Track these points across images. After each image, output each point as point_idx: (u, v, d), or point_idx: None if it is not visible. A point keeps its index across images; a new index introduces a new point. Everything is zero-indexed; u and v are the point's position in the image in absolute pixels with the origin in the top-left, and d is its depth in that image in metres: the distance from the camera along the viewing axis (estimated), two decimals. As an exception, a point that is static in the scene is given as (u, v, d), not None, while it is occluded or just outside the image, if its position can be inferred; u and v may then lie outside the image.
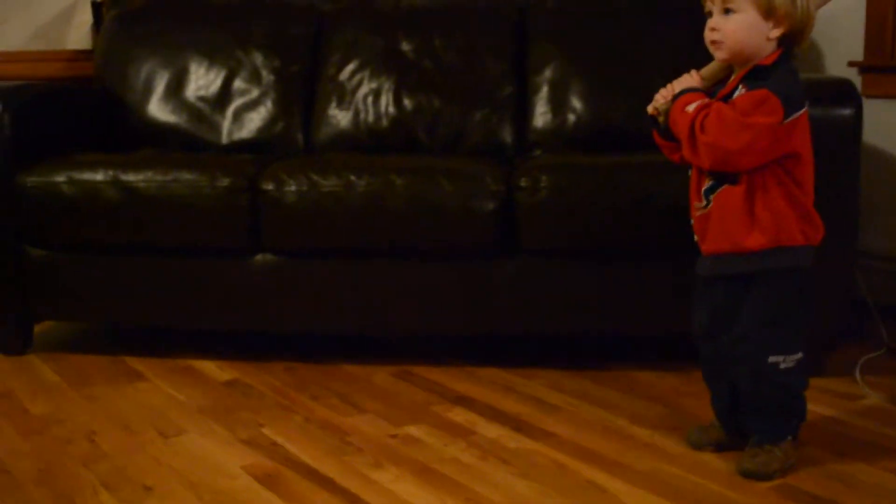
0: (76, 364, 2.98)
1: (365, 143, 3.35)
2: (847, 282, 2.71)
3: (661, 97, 2.16)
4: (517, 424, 2.45)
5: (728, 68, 2.13)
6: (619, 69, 3.28)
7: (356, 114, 3.40)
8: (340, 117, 3.41)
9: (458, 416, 2.53)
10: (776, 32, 2.02)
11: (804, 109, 2.02)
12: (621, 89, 3.21)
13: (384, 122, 3.37)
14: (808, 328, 2.14)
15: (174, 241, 2.88)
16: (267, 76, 3.48)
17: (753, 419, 2.16)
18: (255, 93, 3.47)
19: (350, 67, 3.45)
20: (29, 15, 3.79)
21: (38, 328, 3.18)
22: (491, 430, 2.42)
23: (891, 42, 3.29)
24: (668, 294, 2.66)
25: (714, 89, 2.14)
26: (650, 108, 2.19)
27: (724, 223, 2.07)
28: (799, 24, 2.02)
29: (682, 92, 2.10)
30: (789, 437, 2.14)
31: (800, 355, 2.11)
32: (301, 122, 3.46)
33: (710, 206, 2.10)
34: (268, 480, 2.16)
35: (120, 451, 2.34)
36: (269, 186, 2.81)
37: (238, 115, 3.45)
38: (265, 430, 2.45)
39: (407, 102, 3.37)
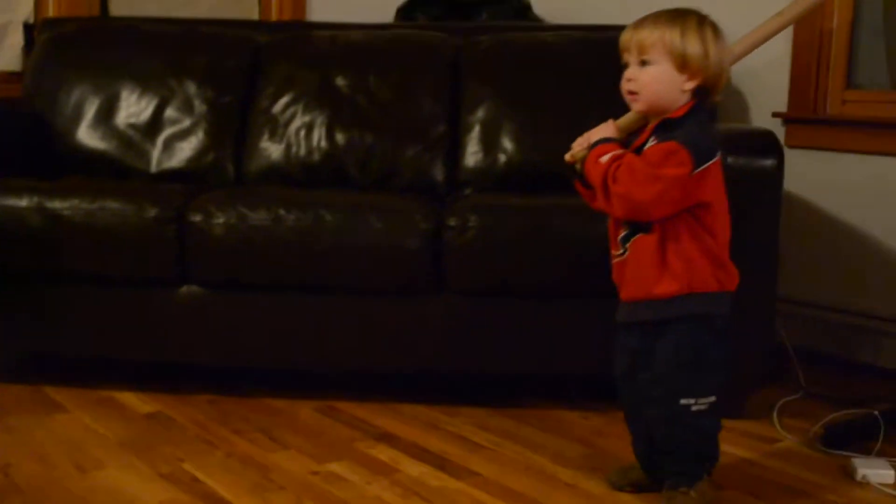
0: (-6, 393, 2.91)
1: (296, 176, 3.32)
2: (767, 326, 2.73)
3: (578, 145, 2.17)
4: (441, 462, 2.43)
5: (644, 118, 2.15)
6: (551, 110, 3.28)
7: (288, 147, 3.36)
8: (272, 150, 3.37)
9: (382, 453, 2.50)
10: (690, 84, 2.04)
11: (715, 159, 2.04)
12: (552, 130, 3.17)
13: (316, 156, 3.34)
14: (722, 372, 2.13)
15: (98, 269, 2.82)
16: (199, 106, 3.44)
17: (667, 461, 2.15)
18: (186, 122, 3.42)
19: (284, 100, 3.42)
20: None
21: (-48, 356, 3.11)
22: (414, 469, 2.40)
23: (814, 94, 3.34)
24: (594, 334, 2.63)
25: (630, 139, 2.17)
26: (567, 157, 2.19)
27: (638, 271, 2.09)
28: (712, 77, 2.05)
29: (598, 142, 2.11)
30: (705, 478, 2.14)
31: (712, 398, 2.11)
32: (232, 153, 3.42)
33: (627, 253, 2.11)
34: (185, 518, 2.12)
35: (35, 485, 2.27)
36: (197, 218, 2.77)
37: (169, 144, 3.40)
38: (185, 465, 2.39)
39: (339, 137, 3.34)
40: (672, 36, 2.01)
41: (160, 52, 3.53)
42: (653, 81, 2.05)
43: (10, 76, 3.79)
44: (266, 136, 3.39)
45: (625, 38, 2.08)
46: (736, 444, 2.58)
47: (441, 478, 2.34)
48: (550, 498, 2.24)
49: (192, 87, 3.46)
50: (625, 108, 2.19)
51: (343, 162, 3.33)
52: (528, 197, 2.91)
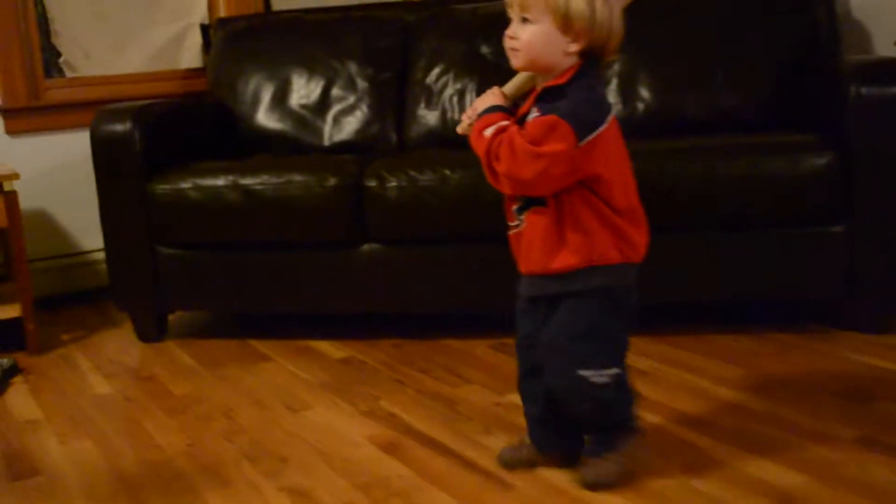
0: (207, 348, 3.01)
1: (453, 139, 3.31)
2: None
3: (467, 117, 1.92)
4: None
5: (533, 79, 1.88)
6: (684, 61, 3.20)
7: (443, 112, 3.38)
8: (429, 117, 3.39)
9: (555, 383, 2.50)
10: (574, 47, 1.75)
11: (602, 128, 1.77)
12: (685, 79, 3.15)
13: (469, 120, 3.34)
14: (624, 344, 1.92)
15: (289, 235, 2.89)
16: (361, 83, 3.48)
17: (582, 430, 1.96)
18: (351, 99, 3.46)
19: (435, 71, 3.43)
20: (145, 40, 3.81)
21: (171, 318, 3.22)
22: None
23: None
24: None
25: (520, 102, 1.91)
26: (459, 129, 1.96)
27: (534, 244, 1.85)
28: (599, 39, 1.75)
29: (483, 112, 1.86)
30: (623, 438, 1.93)
31: (615, 370, 1.87)
32: (394, 122, 3.45)
33: (523, 225, 1.87)
34: (390, 448, 2.16)
35: (255, 426, 2.35)
36: (372, 183, 2.81)
37: (337, 120, 3.45)
38: (382, 403, 2.45)
39: (490, 101, 3.34)
40: None
41: (321, 39, 3.57)
42: (532, 41, 1.76)
43: (194, 72, 3.88)
44: (422, 105, 3.41)
45: None
46: (884, 356, 2.51)
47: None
48: (718, 417, 2.21)
49: (353, 67, 3.50)
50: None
51: (494, 122, 3.32)
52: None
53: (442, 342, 2.90)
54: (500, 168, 1.78)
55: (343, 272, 2.89)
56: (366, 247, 2.87)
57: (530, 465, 2.01)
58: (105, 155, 2.97)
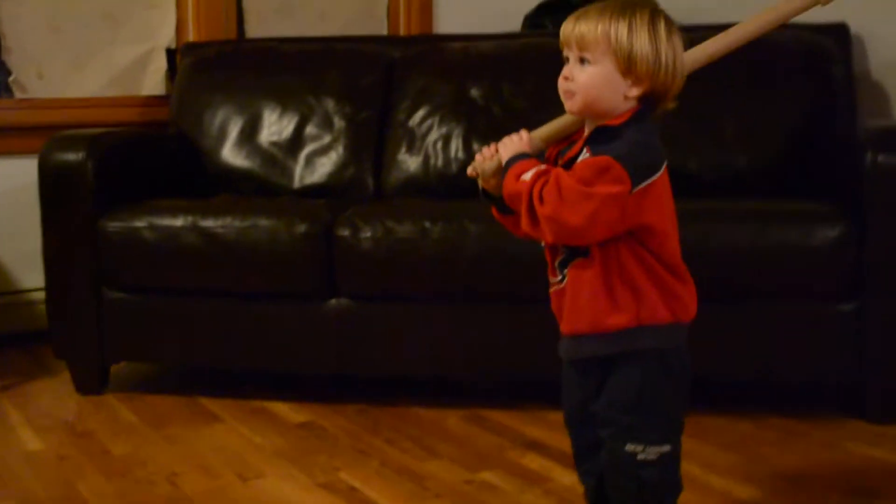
0: (152, 404, 3.00)
1: (435, 187, 3.36)
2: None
3: (482, 157, 1.87)
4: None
5: (578, 123, 1.87)
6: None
7: (426, 159, 3.41)
8: (410, 162, 3.42)
9: (532, 461, 2.51)
10: (635, 91, 1.75)
11: (657, 176, 1.74)
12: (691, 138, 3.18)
13: (454, 167, 3.37)
14: (677, 419, 1.88)
15: (250, 285, 2.90)
16: (338, 122, 3.51)
17: None
18: (326, 138, 3.49)
19: (420, 113, 3.47)
20: (106, 62, 3.83)
21: (114, 368, 3.21)
22: (566, 478, 2.38)
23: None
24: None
25: (544, 151, 1.89)
26: (469, 170, 1.90)
27: (579, 300, 1.80)
28: (662, 84, 1.75)
29: (514, 159, 1.81)
30: None
31: (666, 448, 1.82)
32: (371, 166, 3.48)
33: (566, 280, 1.83)
34: (348, 526, 2.16)
35: (201, 494, 2.34)
36: (345, 232, 2.83)
37: (310, 160, 3.48)
38: (342, 475, 2.44)
39: (477, 148, 3.35)
40: (618, 32, 1.71)
41: (298, 71, 3.60)
42: (591, 84, 1.74)
43: (156, 99, 3.89)
44: (404, 149, 3.44)
45: (565, 30, 1.78)
46: (891, 450, 2.52)
47: (593, 485, 2.34)
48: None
49: (330, 104, 3.53)
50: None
51: (480, 172, 3.35)
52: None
53: (412, 410, 2.90)
54: (544, 211, 1.70)
55: (307, 328, 2.90)
56: (334, 301, 2.87)
57: None
58: (53, 185, 2.98)
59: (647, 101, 1.78)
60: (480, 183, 1.90)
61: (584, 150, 1.77)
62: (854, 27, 3.35)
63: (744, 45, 1.98)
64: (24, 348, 3.58)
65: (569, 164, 1.79)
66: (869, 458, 2.49)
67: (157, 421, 2.85)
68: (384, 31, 4.25)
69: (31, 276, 3.60)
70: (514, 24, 4.20)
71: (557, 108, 3.44)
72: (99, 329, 3.00)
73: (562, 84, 1.79)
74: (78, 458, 2.58)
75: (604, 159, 1.69)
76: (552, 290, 1.88)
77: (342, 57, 3.64)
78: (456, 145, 3.39)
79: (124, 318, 3.00)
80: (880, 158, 2.58)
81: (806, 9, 1.99)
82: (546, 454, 2.55)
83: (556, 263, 1.85)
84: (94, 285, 2.98)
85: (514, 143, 1.85)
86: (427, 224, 2.78)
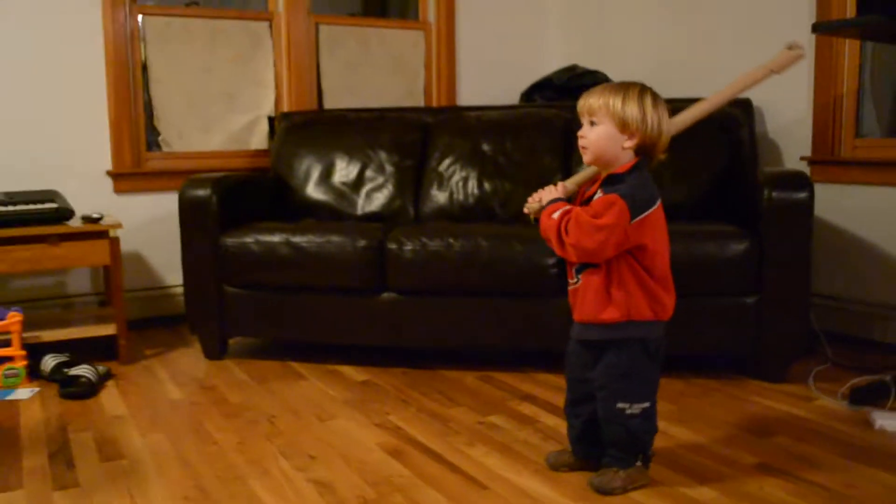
0: (258, 367, 3.01)
1: (457, 214, 3.37)
2: (803, 315, 2.65)
3: (533, 200, 1.95)
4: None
5: (596, 171, 1.92)
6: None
7: (451, 194, 3.41)
8: (440, 196, 3.43)
9: (527, 409, 2.51)
10: (630, 143, 1.81)
11: (652, 209, 1.82)
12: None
13: (471, 200, 3.38)
14: (654, 385, 1.92)
15: (327, 282, 2.91)
16: (389, 168, 3.52)
17: (606, 446, 1.94)
18: (380, 179, 3.50)
19: (447, 161, 3.48)
20: (225, 126, 3.86)
21: (231, 341, 3.23)
22: (550, 420, 2.41)
23: (830, 142, 3.24)
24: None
25: (582, 191, 1.94)
26: (525, 210, 1.99)
27: (587, 298, 1.87)
28: (649, 138, 1.81)
29: (549, 202, 1.89)
30: (637, 464, 1.92)
31: (646, 404, 1.89)
32: (413, 199, 3.48)
33: (579, 283, 1.89)
34: (395, 453, 2.17)
35: (291, 430, 2.36)
36: (393, 246, 2.84)
37: (369, 195, 3.48)
38: (391, 417, 2.45)
39: (487, 186, 3.38)
40: (615, 102, 1.79)
41: (360, 132, 3.61)
42: (598, 139, 1.82)
43: (261, 152, 3.91)
44: (435, 187, 3.45)
45: (580, 103, 1.86)
46: (781, 401, 2.52)
47: (569, 425, 2.34)
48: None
49: (383, 155, 3.54)
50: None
51: (489, 203, 3.36)
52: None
53: (440, 372, 2.91)
54: (569, 240, 1.80)
55: (366, 313, 2.91)
56: (385, 294, 2.89)
57: (570, 468, 2.03)
58: (189, 213, 3.00)
59: (642, 154, 1.84)
60: (532, 218, 1.97)
61: (599, 190, 1.85)
62: (756, 101, 3.36)
63: (716, 110, 2.02)
64: (169, 327, 3.62)
65: (587, 201, 1.87)
66: (767, 407, 2.49)
67: (261, 378, 2.87)
68: (422, 104, 4.27)
69: (174, 276, 3.65)
70: (513, 98, 4.24)
71: (542, 158, 3.48)
72: (220, 313, 3.03)
73: (580, 141, 1.87)
74: (205, 404, 2.60)
75: (612, 197, 1.78)
76: (570, 288, 1.95)
77: (392, 122, 3.65)
78: (472, 184, 3.40)
79: (238, 305, 3.02)
80: (774, 195, 2.59)
81: (765, 78, 1.99)
82: (536, 404, 2.55)
83: (574, 269, 1.91)
84: (217, 283, 3.01)
85: (550, 191, 1.94)
86: (451, 240, 2.79)
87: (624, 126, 1.80)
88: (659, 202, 1.85)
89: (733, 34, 3.54)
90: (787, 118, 3.36)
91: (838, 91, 3.21)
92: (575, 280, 1.91)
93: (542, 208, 1.91)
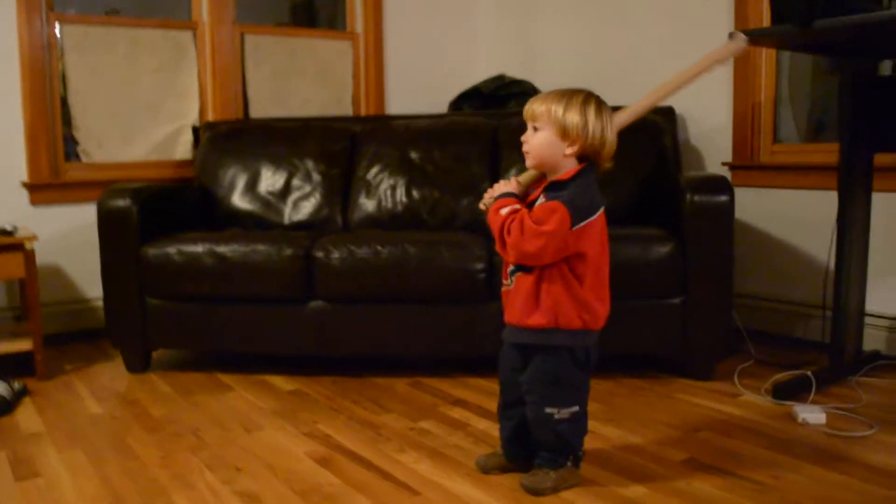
0: (183, 379, 2.93)
1: (385, 222, 3.34)
2: (726, 314, 2.69)
3: (488, 195, 1.91)
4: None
5: (541, 174, 1.89)
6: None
7: (379, 202, 3.38)
8: (368, 204, 3.39)
9: (457, 413, 2.49)
10: (571, 150, 1.79)
11: (594, 217, 1.79)
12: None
13: (399, 208, 3.35)
14: (583, 390, 1.90)
15: (252, 292, 2.84)
16: (316, 176, 3.47)
17: (536, 448, 1.94)
18: (307, 188, 3.46)
19: (374, 170, 3.45)
20: (148, 136, 3.77)
21: (155, 354, 3.13)
22: (481, 424, 2.39)
23: (750, 148, 3.32)
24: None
25: (529, 191, 1.91)
26: (480, 205, 1.93)
27: (517, 301, 1.85)
28: (591, 146, 1.79)
29: (500, 196, 1.86)
30: (568, 465, 1.91)
31: (575, 408, 1.87)
32: (340, 208, 3.44)
33: (512, 285, 1.87)
34: (324, 462, 2.12)
35: (217, 442, 2.29)
36: (320, 254, 2.80)
37: (296, 204, 3.43)
38: (320, 426, 2.40)
39: (415, 194, 3.36)
40: (556, 108, 1.78)
41: (287, 141, 3.56)
42: (539, 144, 1.81)
43: (184, 162, 3.83)
44: (363, 195, 3.41)
45: (525, 108, 1.85)
46: (707, 398, 2.56)
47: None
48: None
49: (310, 164, 3.50)
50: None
51: (418, 211, 3.34)
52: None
53: (370, 379, 2.87)
54: (510, 241, 1.78)
55: (294, 322, 2.85)
56: (313, 303, 2.84)
57: (501, 469, 2.01)
58: (108, 224, 2.91)
59: (587, 161, 1.81)
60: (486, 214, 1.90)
61: (542, 196, 1.83)
62: (678, 109, 3.42)
63: (660, 104, 1.98)
64: (90, 341, 3.50)
65: (531, 205, 1.85)
66: (693, 404, 2.52)
67: (186, 391, 2.79)
68: (349, 113, 4.24)
69: (94, 289, 3.53)
70: (441, 107, 4.24)
71: (470, 166, 3.48)
72: (143, 325, 2.94)
73: (523, 146, 1.86)
74: (127, 419, 2.51)
75: (553, 204, 1.76)
76: (503, 289, 1.92)
77: (318, 131, 3.61)
78: (400, 192, 3.37)
79: (161, 317, 2.93)
80: (696, 198, 2.63)
81: (709, 69, 1.96)
82: (467, 408, 2.53)
83: (509, 271, 1.88)
84: (139, 294, 2.92)
85: (504, 185, 1.90)
86: (379, 247, 2.76)
87: (564, 133, 1.79)
88: (601, 210, 1.83)
89: (658, 43, 3.61)
90: (709, 125, 3.44)
91: (756, 98, 3.29)
92: (508, 282, 1.89)
93: (493, 200, 1.88)
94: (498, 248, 1.85)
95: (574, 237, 1.76)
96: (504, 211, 1.82)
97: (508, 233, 1.79)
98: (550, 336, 1.83)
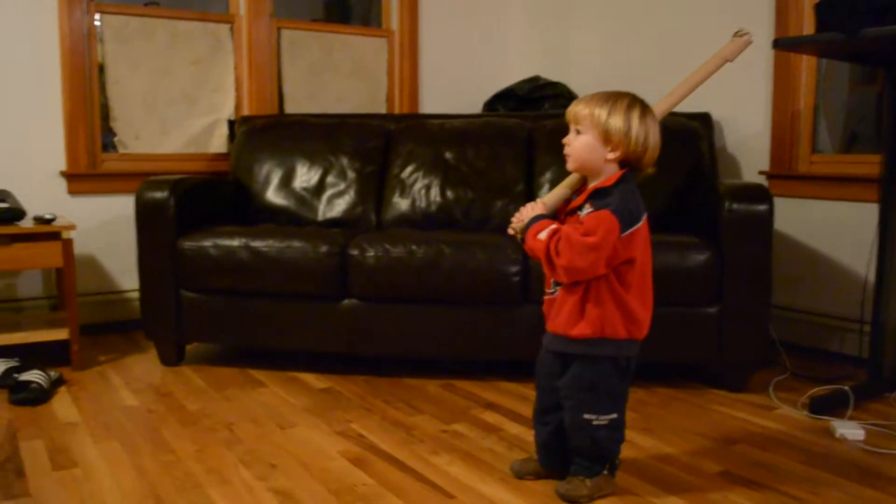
0: (216, 374, 2.95)
1: (419, 222, 3.33)
2: (763, 326, 2.66)
3: (517, 220, 1.88)
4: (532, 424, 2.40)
5: (580, 180, 1.88)
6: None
7: (413, 201, 3.38)
8: (402, 203, 3.39)
9: (490, 417, 2.49)
10: (612, 155, 1.77)
11: (640, 223, 1.78)
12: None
13: (433, 207, 3.35)
14: (624, 398, 1.89)
15: (287, 288, 2.85)
16: (350, 174, 3.48)
17: (573, 455, 1.92)
18: (342, 185, 3.46)
19: (409, 169, 3.44)
20: (184, 128, 3.79)
21: (188, 347, 3.16)
22: (514, 428, 2.38)
23: (788, 157, 3.29)
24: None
25: (572, 197, 1.89)
26: (510, 231, 1.91)
27: (562, 311, 1.83)
28: (633, 152, 1.77)
29: (532, 221, 1.84)
30: (604, 473, 1.90)
31: (614, 415, 1.85)
32: (374, 206, 3.44)
33: (556, 293, 1.86)
34: (357, 462, 2.13)
35: (251, 438, 2.30)
36: (355, 252, 2.80)
37: (330, 201, 3.44)
38: (353, 425, 2.41)
39: (449, 194, 3.36)
40: (600, 112, 1.76)
41: (322, 137, 3.56)
42: (580, 148, 1.79)
43: (220, 156, 3.85)
44: (397, 194, 3.41)
45: (568, 110, 1.83)
46: (743, 410, 2.53)
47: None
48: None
49: (345, 161, 3.50)
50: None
51: (452, 211, 3.33)
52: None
53: (402, 380, 2.87)
54: (561, 262, 1.75)
55: (327, 319, 2.86)
56: (346, 301, 2.84)
57: (536, 475, 2.00)
58: (146, 215, 2.93)
59: (629, 166, 1.79)
60: (518, 237, 1.89)
61: (587, 203, 1.79)
62: (715, 115, 3.39)
63: (691, 93, 1.99)
64: (124, 332, 3.53)
65: (572, 212, 1.83)
66: (728, 415, 2.50)
67: (219, 385, 2.81)
68: (384, 110, 4.24)
69: (130, 280, 3.56)
70: (473, 107, 4.23)
71: (505, 167, 3.47)
72: (177, 318, 2.96)
73: (565, 148, 1.84)
74: (162, 412, 2.53)
75: (603, 213, 1.74)
76: (546, 297, 1.90)
77: (354, 128, 3.61)
78: (434, 192, 3.37)
79: (196, 311, 2.94)
80: (735, 206, 2.60)
81: (718, 68, 1.98)
82: (500, 412, 2.53)
83: (552, 280, 1.86)
84: (174, 287, 2.94)
85: (530, 209, 1.87)
86: (413, 247, 2.76)
87: (607, 138, 1.77)
88: (645, 216, 1.82)
89: (693, 47, 3.58)
90: (745, 132, 3.40)
91: (796, 107, 3.26)
92: (552, 290, 1.88)
93: (526, 227, 1.85)
94: (546, 271, 1.82)
95: (623, 244, 1.75)
96: (543, 235, 1.80)
97: (557, 254, 1.76)
98: (594, 346, 1.82)
